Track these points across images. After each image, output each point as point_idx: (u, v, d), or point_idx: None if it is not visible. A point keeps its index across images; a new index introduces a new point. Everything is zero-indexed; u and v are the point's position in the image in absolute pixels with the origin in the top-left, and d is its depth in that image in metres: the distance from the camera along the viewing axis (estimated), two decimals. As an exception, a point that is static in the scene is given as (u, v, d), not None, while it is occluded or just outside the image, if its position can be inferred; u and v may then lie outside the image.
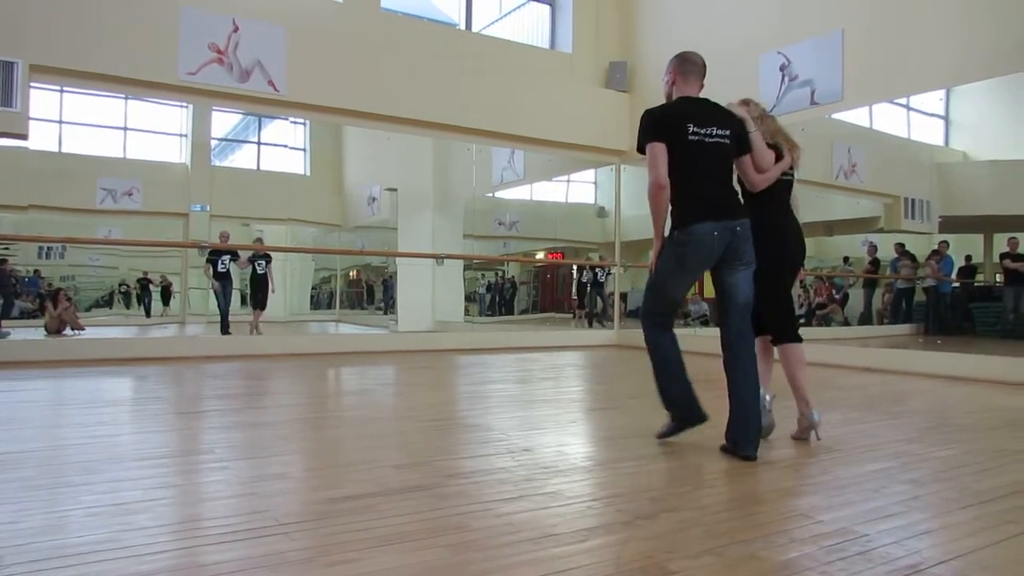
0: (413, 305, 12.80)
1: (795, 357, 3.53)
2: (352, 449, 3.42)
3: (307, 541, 2.03)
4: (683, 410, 3.38)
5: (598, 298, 14.02)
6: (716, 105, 3.42)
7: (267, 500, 2.42)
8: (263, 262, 10.94)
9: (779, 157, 3.58)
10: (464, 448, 3.40)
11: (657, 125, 3.29)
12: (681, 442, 3.40)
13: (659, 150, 3.23)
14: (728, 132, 3.34)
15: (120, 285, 15.54)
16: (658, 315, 3.39)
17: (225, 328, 10.15)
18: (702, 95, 3.44)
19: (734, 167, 3.48)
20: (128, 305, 15.25)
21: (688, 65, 3.45)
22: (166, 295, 15.44)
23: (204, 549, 1.98)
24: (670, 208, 3.29)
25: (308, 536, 2.07)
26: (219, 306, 10.45)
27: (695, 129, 3.26)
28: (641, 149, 3.32)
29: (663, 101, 3.48)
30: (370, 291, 17.03)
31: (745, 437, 3.15)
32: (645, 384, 6.18)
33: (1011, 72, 6.72)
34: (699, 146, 3.26)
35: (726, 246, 3.24)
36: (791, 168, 3.68)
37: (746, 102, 3.66)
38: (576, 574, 1.81)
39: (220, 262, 10.40)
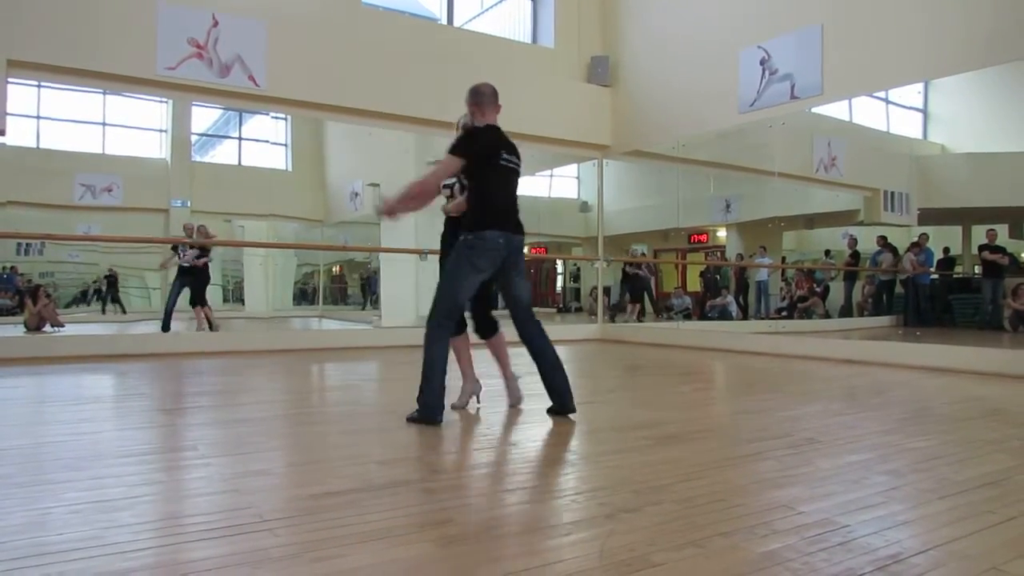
0: (397, 300, 12.75)
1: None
2: (336, 444, 3.42)
3: (291, 537, 2.02)
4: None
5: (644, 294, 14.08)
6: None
7: (250, 496, 2.42)
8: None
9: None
10: (449, 443, 3.40)
11: (473, 144, 3.74)
12: (662, 435, 3.42)
13: (455, 165, 3.70)
14: (519, 160, 3.94)
15: (94, 282, 15.39)
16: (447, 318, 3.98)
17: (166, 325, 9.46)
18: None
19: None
20: (103, 302, 15.11)
21: (479, 96, 3.89)
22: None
23: (187, 546, 1.97)
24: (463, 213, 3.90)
25: (292, 532, 2.07)
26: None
27: (506, 156, 3.81)
28: (454, 152, 3.68)
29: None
30: (363, 287, 17.02)
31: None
32: (628, 378, 6.23)
33: (979, 67, 6.83)
34: (506, 170, 3.83)
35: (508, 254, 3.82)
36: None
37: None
38: (561, 567, 1.82)
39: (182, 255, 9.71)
